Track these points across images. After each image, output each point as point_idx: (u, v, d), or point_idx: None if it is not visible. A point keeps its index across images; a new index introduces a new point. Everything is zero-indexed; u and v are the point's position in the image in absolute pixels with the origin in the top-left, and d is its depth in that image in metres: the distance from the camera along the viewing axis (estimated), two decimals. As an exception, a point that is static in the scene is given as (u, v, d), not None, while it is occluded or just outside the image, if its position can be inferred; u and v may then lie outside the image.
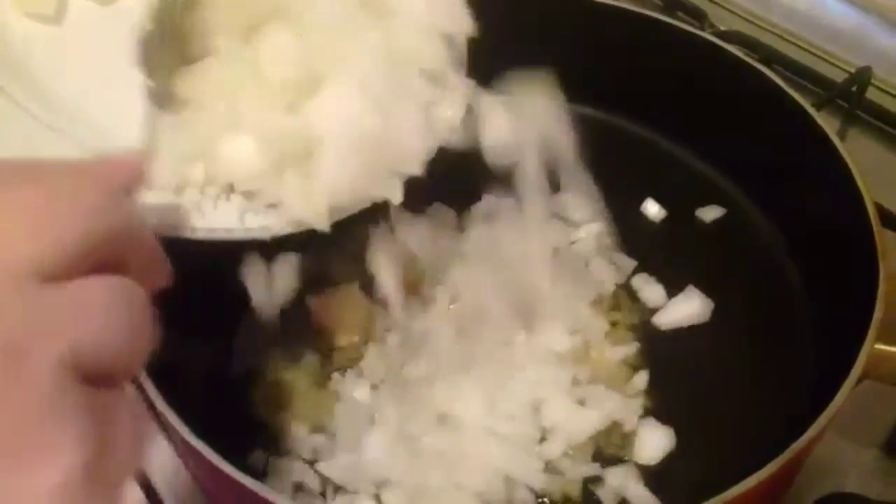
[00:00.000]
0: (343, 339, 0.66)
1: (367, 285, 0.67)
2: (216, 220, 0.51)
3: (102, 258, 0.31)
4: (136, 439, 0.31)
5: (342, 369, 0.64)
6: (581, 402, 0.62)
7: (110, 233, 0.32)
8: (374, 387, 0.63)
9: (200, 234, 0.50)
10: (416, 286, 0.67)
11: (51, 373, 0.27)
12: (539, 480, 0.58)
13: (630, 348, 0.66)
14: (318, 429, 0.61)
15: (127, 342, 0.31)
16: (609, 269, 0.71)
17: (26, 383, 0.27)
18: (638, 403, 0.62)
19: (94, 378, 0.29)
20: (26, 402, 0.27)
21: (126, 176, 0.37)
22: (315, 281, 0.68)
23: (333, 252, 0.71)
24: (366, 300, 0.67)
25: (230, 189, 0.52)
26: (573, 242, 0.73)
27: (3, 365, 0.26)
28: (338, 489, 0.58)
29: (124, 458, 0.30)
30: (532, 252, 0.68)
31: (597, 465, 0.59)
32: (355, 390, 0.62)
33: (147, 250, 0.36)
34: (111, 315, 0.30)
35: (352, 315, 0.66)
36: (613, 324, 0.68)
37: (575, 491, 0.58)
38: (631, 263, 0.71)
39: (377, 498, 0.56)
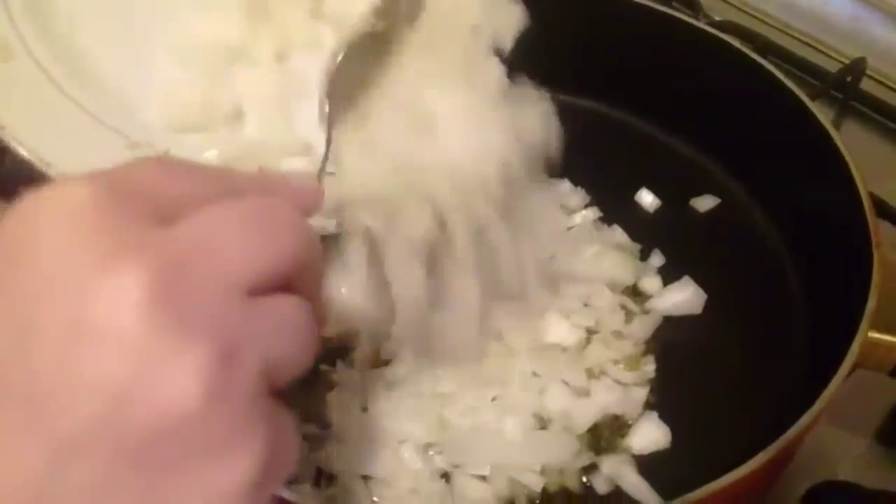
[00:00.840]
0: (332, 329, 0.66)
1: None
2: None
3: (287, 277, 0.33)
4: (294, 451, 0.32)
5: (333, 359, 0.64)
6: (583, 392, 0.62)
7: (306, 254, 0.33)
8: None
9: None
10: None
11: (255, 379, 0.29)
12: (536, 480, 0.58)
13: (639, 332, 0.66)
14: (310, 418, 0.61)
15: (304, 357, 0.32)
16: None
17: (235, 386, 0.28)
18: (642, 393, 0.62)
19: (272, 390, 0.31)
20: (233, 403, 0.28)
21: (310, 201, 0.37)
22: None
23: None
24: None
25: None
26: (570, 228, 0.73)
27: (221, 366, 0.27)
28: (331, 478, 0.57)
29: (284, 468, 0.31)
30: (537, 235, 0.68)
31: (591, 453, 0.59)
32: (347, 380, 0.62)
33: (316, 275, 0.36)
34: (300, 332, 0.32)
35: None
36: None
37: (571, 481, 0.58)
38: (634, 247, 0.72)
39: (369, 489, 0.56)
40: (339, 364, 0.63)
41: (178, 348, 0.27)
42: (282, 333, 0.31)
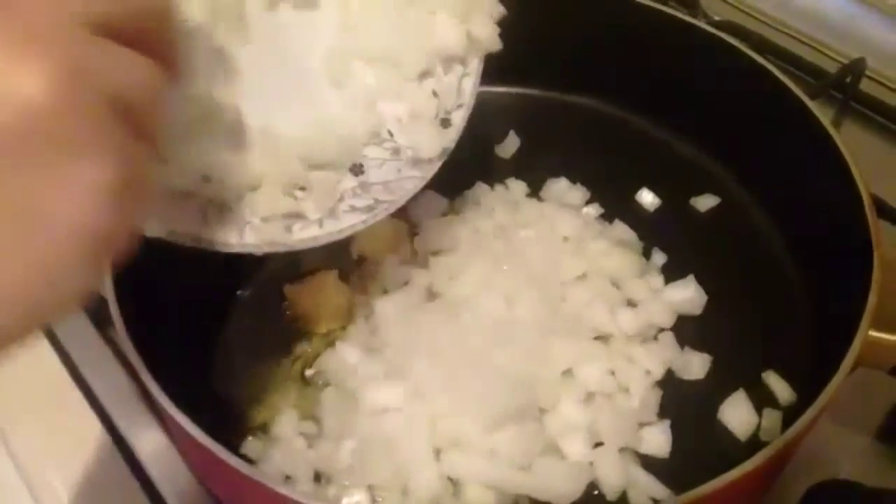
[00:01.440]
0: (322, 327, 0.66)
1: (345, 273, 0.68)
2: (265, 233, 0.52)
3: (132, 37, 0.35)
4: (147, 173, 0.35)
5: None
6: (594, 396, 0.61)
7: (155, 11, 0.37)
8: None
9: (250, 250, 0.51)
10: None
11: (100, 97, 0.32)
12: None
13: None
14: (307, 416, 0.61)
15: (148, 92, 0.35)
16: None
17: (81, 96, 0.31)
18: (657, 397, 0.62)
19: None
20: (82, 110, 0.31)
21: None
22: (292, 270, 0.69)
23: None
24: (344, 287, 0.67)
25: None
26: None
27: (68, 76, 0.31)
28: (330, 477, 0.58)
29: (140, 186, 0.34)
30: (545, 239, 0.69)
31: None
32: (340, 377, 0.62)
33: (168, 45, 0.39)
34: (142, 70, 0.35)
35: (330, 302, 0.66)
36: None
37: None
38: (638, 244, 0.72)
39: (369, 488, 0.56)
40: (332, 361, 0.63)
41: (27, 57, 0.30)
42: (125, 68, 0.34)
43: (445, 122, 0.59)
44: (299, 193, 0.54)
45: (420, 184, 0.58)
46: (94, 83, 0.32)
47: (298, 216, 0.54)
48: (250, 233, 0.52)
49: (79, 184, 0.31)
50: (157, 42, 0.37)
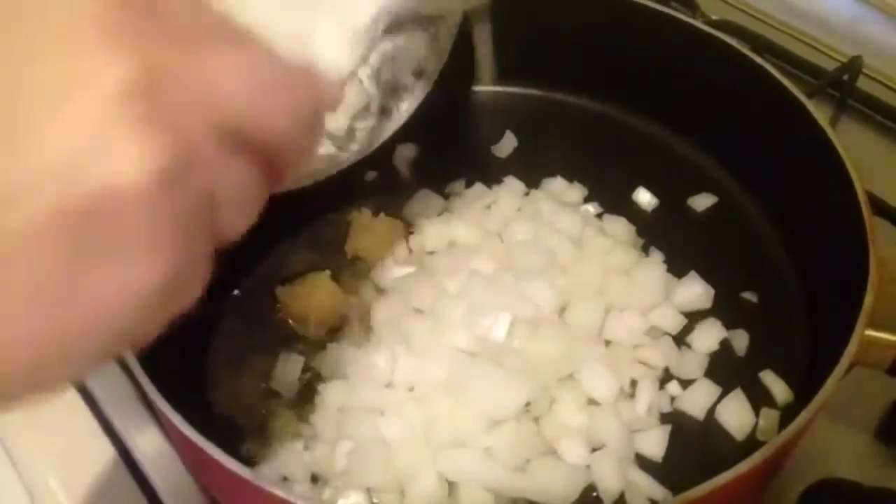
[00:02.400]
0: (316, 328, 0.65)
1: (338, 273, 0.68)
2: None
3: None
4: (198, 286, 0.33)
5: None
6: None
7: (299, 136, 0.34)
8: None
9: None
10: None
11: (198, 200, 0.30)
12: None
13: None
14: (303, 418, 0.61)
15: (243, 219, 0.33)
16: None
17: (180, 194, 0.29)
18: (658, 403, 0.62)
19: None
20: (172, 207, 0.29)
21: (328, 100, 0.37)
22: (285, 270, 0.69)
23: (302, 242, 0.71)
24: (337, 288, 0.67)
25: None
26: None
27: (175, 170, 0.28)
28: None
29: (188, 294, 0.32)
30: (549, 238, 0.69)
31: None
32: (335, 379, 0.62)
33: (295, 156, 0.36)
34: (251, 193, 0.33)
35: (323, 304, 0.66)
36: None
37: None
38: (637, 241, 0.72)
39: (366, 490, 0.56)
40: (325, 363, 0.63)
41: (141, 137, 0.27)
42: (235, 185, 0.32)
43: None
44: None
45: None
46: (199, 184, 0.30)
47: None
48: None
49: (120, 280, 0.28)
50: (280, 156, 0.34)
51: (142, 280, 0.29)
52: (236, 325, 0.67)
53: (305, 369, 0.63)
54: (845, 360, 0.52)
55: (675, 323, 0.66)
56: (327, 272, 0.68)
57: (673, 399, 0.62)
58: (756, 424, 0.61)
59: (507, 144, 0.80)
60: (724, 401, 0.61)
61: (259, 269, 0.69)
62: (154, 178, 0.27)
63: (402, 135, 0.69)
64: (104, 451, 0.63)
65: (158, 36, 0.29)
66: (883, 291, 0.55)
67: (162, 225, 0.29)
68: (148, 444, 0.63)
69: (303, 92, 0.34)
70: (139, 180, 0.27)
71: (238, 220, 0.33)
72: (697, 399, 0.62)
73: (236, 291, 0.68)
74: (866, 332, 0.53)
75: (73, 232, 0.27)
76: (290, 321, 0.66)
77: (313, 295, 0.66)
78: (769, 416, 0.61)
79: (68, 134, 0.27)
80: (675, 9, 0.85)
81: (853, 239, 0.59)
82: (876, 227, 0.59)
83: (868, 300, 0.54)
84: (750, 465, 0.48)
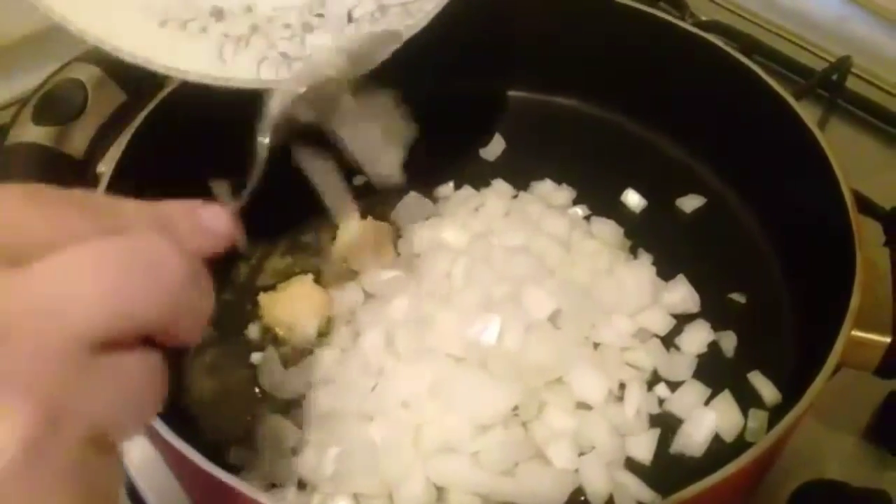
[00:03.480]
0: (300, 334, 0.65)
1: (323, 278, 0.68)
2: (234, 69, 0.51)
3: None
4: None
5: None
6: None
7: (178, 310, 0.31)
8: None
9: (218, 83, 0.51)
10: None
11: (77, 444, 0.28)
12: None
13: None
14: (290, 424, 0.60)
15: (138, 422, 0.31)
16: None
17: (55, 449, 0.27)
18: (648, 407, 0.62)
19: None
20: (52, 464, 0.27)
21: (212, 240, 0.35)
22: (267, 277, 0.69)
23: (285, 246, 0.71)
24: (321, 292, 0.67)
25: (252, 30, 0.52)
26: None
27: (42, 429, 0.26)
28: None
29: None
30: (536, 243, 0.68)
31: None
32: (322, 384, 0.62)
33: (198, 320, 0.34)
34: (139, 396, 0.31)
35: (307, 308, 0.65)
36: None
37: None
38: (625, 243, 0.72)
39: (354, 496, 0.56)
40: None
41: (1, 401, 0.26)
42: (118, 397, 0.30)
43: None
44: (315, 21, 0.53)
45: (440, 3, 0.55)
46: (73, 425, 0.28)
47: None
48: (267, 67, 0.51)
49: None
50: (172, 331, 0.32)
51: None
52: (220, 331, 0.66)
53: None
54: (832, 361, 0.52)
55: (663, 325, 0.66)
56: (310, 276, 0.68)
57: (661, 401, 0.62)
58: (744, 426, 0.61)
59: (495, 147, 0.80)
60: (713, 402, 0.61)
61: (241, 274, 0.69)
62: (23, 451, 0.26)
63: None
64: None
65: None
66: (870, 292, 0.55)
67: (48, 479, 0.27)
68: (137, 452, 0.62)
69: (170, 267, 0.31)
70: (12, 456, 0.26)
71: (133, 423, 0.31)
72: (686, 401, 0.62)
73: (221, 296, 0.68)
74: (853, 333, 0.53)
75: None
76: (276, 328, 0.66)
77: (297, 301, 0.65)
78: (758, 417, 0.61)
79: None
80: (663, 10, 0.85)
81: (840, 239, 0.59)
82: (863, 228, 0.59)
83: (855, 301, 0.54)
84: (738, 466, 0.48)
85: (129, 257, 0.29)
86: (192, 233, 0.35)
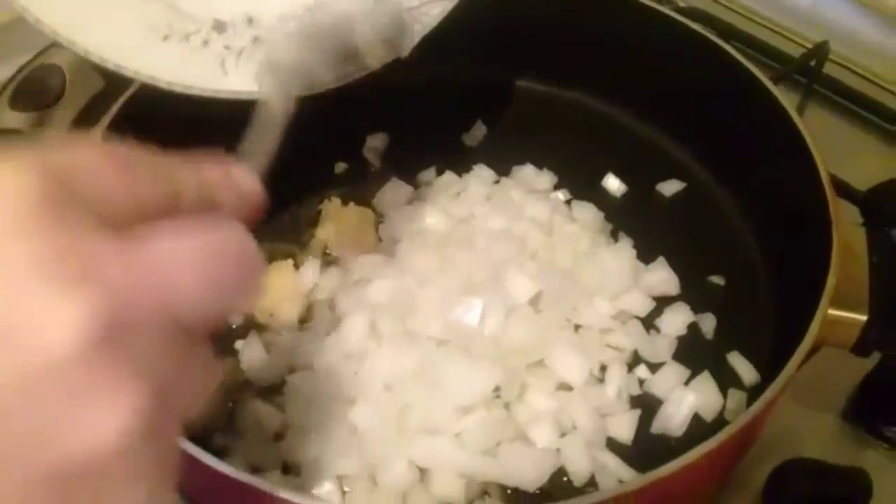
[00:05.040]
0: (281, 319, 0.65)
1: (304, 262, 0.68)
2: (237, 82, 0.52)
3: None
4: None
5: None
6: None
7: (249, 291, 0.33)
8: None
9: (220, 96, 0.52)
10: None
11: (176, 423, 0.30)
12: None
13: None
14: (273, 407, 0.60)
15: (203, 401, 0.32)
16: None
17: (160, 429, 0.28)
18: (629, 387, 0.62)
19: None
20: (157, 444, 0.28)
21: (252, 205, 0.37)
22: None
23: (266, 232, 0.71)
24: (302, 277, 0.67)
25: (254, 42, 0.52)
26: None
27: (150, 411, 0.27)
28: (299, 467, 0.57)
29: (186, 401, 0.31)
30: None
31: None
32: (304, 368, 0.62)
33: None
34: (210, 381, 0.32)
35: (289, 294, 0.65)
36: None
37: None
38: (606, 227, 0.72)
39: (337, 479, 0.56)
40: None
41: (114, 391, 0.26)
42: (198, 378, 0.31)
43: None
44: None
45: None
46: (174, 405, 0.29)
47: None
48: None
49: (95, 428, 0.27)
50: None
51: (111, 426, 0.27)
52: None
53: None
54: (809, 339, 0.52)
55: (643, 307, 0.66)
56: (290, 262, 0.68)
57: (642, 382, 0.63)
58: (724, 405, 0.61)
59: (476, 133, 0.80)
60: (693, 383, 0.62)
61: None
62: (131, 431, 0.26)
63: (372, 125, 0.68)
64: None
65: (98, 228, 0.27)
66: (846, 272, 0.56)
67: (148, 461, 0.28)
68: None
69: (252, 257, 0.33)
70: (118, 438, 0.26)
71: (198, 401, 0.32)
72: (666, 382, 0.62)
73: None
74: (829, 312, 0.54)
75: (55, 494, 0.26)
76: (257, 314, 0.65)
77: (277, 286, 0.65)
78: (737, 397, 0.61)
79: (32, 397, 0.25)
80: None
81: (817, 221, 0.59)
82: (840, 210, 0.60)
83: (831, 280, 0.55)
84: (716, 443, 0.48)
85: (218, 250, 0.31)
86: (236, 200, 0.36)
